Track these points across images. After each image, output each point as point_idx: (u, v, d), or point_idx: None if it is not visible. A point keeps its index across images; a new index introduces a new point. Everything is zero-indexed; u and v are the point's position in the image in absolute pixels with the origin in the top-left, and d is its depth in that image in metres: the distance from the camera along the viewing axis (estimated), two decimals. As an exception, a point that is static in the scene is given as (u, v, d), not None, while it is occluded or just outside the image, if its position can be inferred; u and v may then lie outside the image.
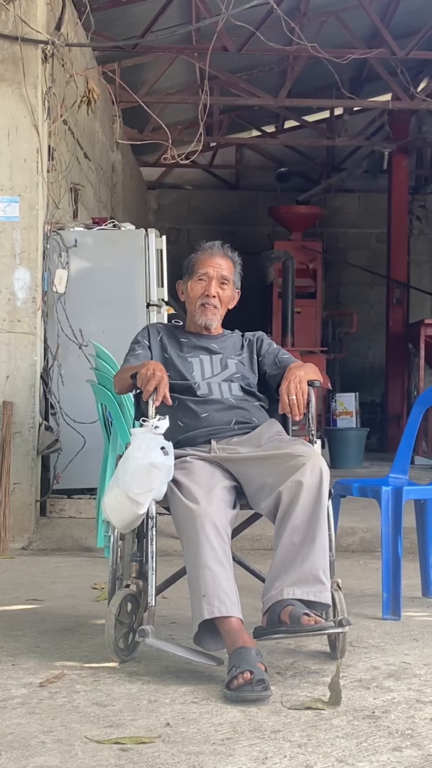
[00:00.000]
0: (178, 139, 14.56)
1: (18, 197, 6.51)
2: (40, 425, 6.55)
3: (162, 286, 6.97)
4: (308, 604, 3.48)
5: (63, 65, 6.78)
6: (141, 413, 3.93)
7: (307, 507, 3.58)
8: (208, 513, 3.57)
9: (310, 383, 3.88)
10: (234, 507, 3.76)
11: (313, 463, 3.63)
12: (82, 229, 6.89)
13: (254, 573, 4.11)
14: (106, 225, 7.04)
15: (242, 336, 4.25)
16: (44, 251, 6.64)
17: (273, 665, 3.58)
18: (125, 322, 6.58)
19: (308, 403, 3.84)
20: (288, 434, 4.06)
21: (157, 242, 6.89)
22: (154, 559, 3.62)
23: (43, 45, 6.54)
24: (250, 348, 4.20)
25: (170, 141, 9.20)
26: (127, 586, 3.73)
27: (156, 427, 3.69)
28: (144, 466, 3.59)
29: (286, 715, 3.06)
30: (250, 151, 16.44)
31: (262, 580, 3.76)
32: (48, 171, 6.83)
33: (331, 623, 3.48)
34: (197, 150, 15.63)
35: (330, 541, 3.66)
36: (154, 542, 3.64)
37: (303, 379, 3.86)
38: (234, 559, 3.77)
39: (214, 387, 4.01)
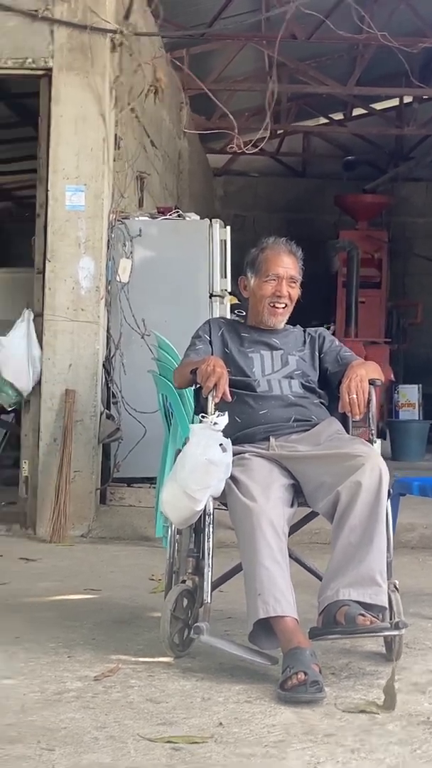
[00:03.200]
0: (245, 127, 14.54)
1: (84, 186, 6.53)
2: (101, 414, 6.58)
3: (225, 277, 6.95)
4: (364, 606, 3.46)
5: (131, 54, 6.77)
6: (200, 409, 3.92)
7: (366, 508, 3.56)
8: (266, 511, 3.55)
9: (371, 382, 3.85)
10: (292, 505, 3.75)
11: (372, 463, 3.60)
12: (146, 218, 6.90)
13: (311, 570, 4.09)
14: (170, 214, 7.03)
15: (304, 332, 4.22)
16: (109, 240, 6.65)
17: (328, 666, 3.56)
18: (188, 312, 6.57)
19: (368, 402, 3.81)
20: (348, 433, 4.02)
21: (221, 232, 6.88)
22: (210, 555, 3.62)
23: (111, 34, 6.55)
24: (312, 344, 4.17)
25: (237, 129, 9.15)
26: (184, 581, 3.73)
27: (215, 423, 3.69)
28: (202, 463, 3.59)
29: (340, 718, 3.04)
30: (317, 139, 16.31)
31: (319, 577, 3.74)
32: (114, 160, 6.84)
33: (387, 625, 3.45)
34: (264, 137, 15.74)
35: (388, 542, 3.63)
36: (211, 539, 3.63)
37: (364, 377, 3.82)
38: (291, 557, 3.76)
39: (274, 383, 4.00)
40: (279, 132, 14.80)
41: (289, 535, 3.77)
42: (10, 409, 7.12)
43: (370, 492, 3.56)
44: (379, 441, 3.81)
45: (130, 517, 6.66)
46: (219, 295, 6.86)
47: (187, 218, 7.01)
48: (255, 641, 3.48)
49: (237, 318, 5.37)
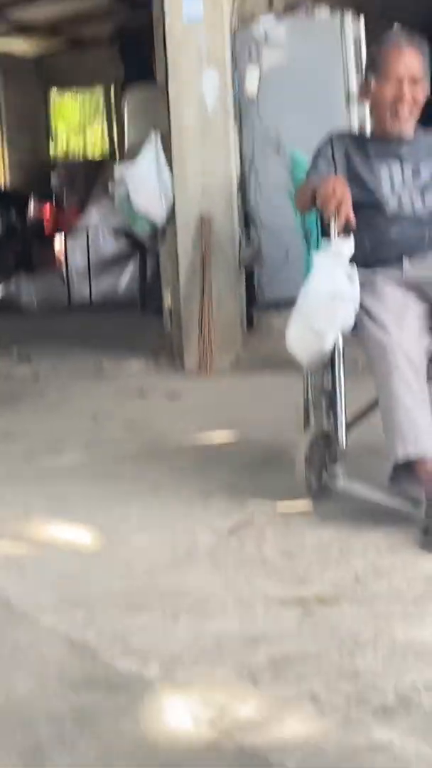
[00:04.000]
0: None
1: (200, -6, 6.07)
2: (240, 238, 6.29)
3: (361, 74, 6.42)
4: None
5: None
6: (324, 235, 3.59)
7: None
8: (401, 343, 3.26)
9: None
10: (429, 332, 3.44)
11: None
12: (272, 20, 6.38)
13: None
14: (298, 11, 6.48)
15: (438, 136, 3.80)
16: (233, 51, 6.19)
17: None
18: (324, 120, 6.07)
19: None
20: None
21: (354, 28, 6.31)
22: (342, 397, 3.37)
23: None
24: (447, 151, 3.75)
25: None
26: (316, 425, 3.51)
27: (340, 251, 3.37)
28: (327, 297, 3.31)
29: None
30: None
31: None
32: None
33: None
34: None
35: None
36: (341, 379, 3.38)
37: None
38: None
39: (405, 200, 3.62)
40: None
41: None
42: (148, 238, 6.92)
43: None
44: None
45: (280, 342, 6.37)
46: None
47: (317, 16, 6.44)
48: (397, 484, 3.24)
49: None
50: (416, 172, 3.67)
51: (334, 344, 3.37)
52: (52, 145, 17.50)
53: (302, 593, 2.70)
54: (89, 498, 3.69)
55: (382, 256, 3.57)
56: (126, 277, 10.32)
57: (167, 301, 6.47)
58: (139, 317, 8.59)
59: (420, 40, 3.71)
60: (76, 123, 22.44)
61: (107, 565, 3.02)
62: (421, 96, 3.68)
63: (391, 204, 3.62)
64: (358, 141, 3.80)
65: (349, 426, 3.57)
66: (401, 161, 3.69)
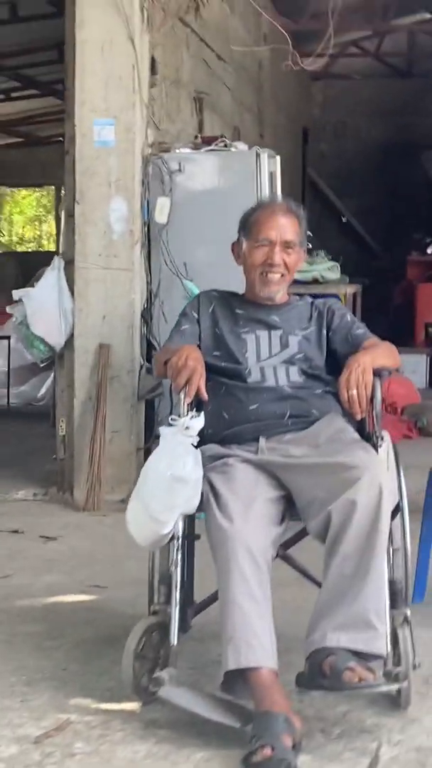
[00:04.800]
0: (341, 28, 13.56)
1: (113, 119, 5.89)
2: (140, 368, 6.04)
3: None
4: (357, 654, 2.89)
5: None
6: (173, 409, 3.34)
7: (361, 532, 2.96)
8: (243, 534, 2.99)
9: (378, 372, 3.21)
10: (282, 522, 3.18)
11: (371, 477, 2.99)
12: (188, 151, 6.22)
13: (313, 579, 3.47)
14: (216, 144, 6.34)
15: (311, 305, 3.57)
16: (143, 178, 6.02)
17: (321, 716, 3.02)
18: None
19: (372, 398, 3.17)
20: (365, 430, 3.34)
21: (270, 164, 6.17)
22: (178, 588, 3.08)
23: None
24: (319, 320, 3.52)
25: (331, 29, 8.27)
26: (155, 612, 3.20)
27: (187, 427, 3.11)
28: (166, 479, 3.03)
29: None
30: (423, 36, 15.15)
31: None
32: (152, 86, 6.17)
33: (382, 680, 2.88)
34: (364, 37, 14.68)
35: (401, 562, 3.08)
36: (178, 568, 3.09)
37: (368, 367, 3.18)
38: (288, 560, 3.27)
39: (268, 372, 3.37)
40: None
41: (282, 554, 3.24)
42: (42, 364, 6.65)
43: (366, 512, 2.97)
44: (385, 445, 3.16)
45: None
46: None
47: (233, 148, 6.30)
48: (229, 690, 2.94)
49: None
50: (284, 343, 3.44)
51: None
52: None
53: None
54: None
55: (238, 431, 3.31)
56: (47, 385, 10.03)
57: (62, 428, 6.18)
58: (48, 430, 8.27)
59: (296, 207, 3.52)
60: (32, 215, 22.42)
61: None
62: (294, 261, 3.48)
63: (253, 374, 3.37)
64: (228, 302, 3.57)
65: (202, 608, 3.30)
66: (270, 329, 3.46)
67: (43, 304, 5.98)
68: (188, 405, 3.20)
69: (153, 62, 6.18)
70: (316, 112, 15.87)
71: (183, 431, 3.11)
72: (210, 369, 3.39)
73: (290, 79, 12.95)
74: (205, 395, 3.22)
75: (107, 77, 5.89)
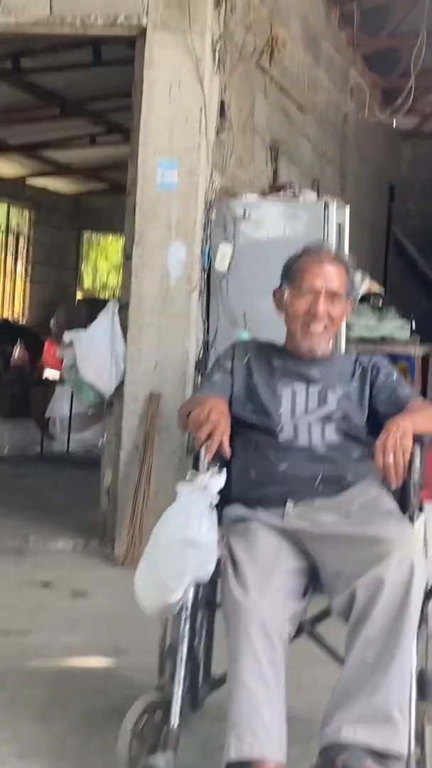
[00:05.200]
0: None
1: (176, 161, 5.70)
2: (192, 420, 5.77)
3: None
4: (374, 752, 2.57)
5: (231, 10, 5.83)
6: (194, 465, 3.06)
7: (388, 614, 2.66)
8: (258, 609, 2.71)
9: (418, 438, 2.91)
10: (304, 595, 2.88)
11: (402, 554, 2.68)
12: (255, 197, 6.00)
13: (342, 660, 3.14)
14: (285, 192, 6.11)
15: (355, 361, 3.29)
16: (206, 223, 5.80)
17: None
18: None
19: (410, 466, 2.87)
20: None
21: (338, 214, 5.92)
22: (183, 664, 2.79)
23: (214, -15, 5.68)
24: (363, 377, 3.24)
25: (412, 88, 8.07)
26: (161, 687, 2.92)
27: (205, 486, 2.84)
28: (178, 541, 2.76)
29: None
30: None
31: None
32: (220, 131, 5.98)
33: (401, 785, 2.55)
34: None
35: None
36: (185, 641, 2.80)
37: (408, 431, 2.89)
38: (315, 638, 2.93)
39: (301, 429, 3.10)
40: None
41: (310, 630, 2.94)
42: (91, 411, 6.43)
43: (394, 592, 2.66)
44: (423, 518, 2.86)
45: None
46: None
47: (302, 198, 6.06)
48: (232, 782, 2.64)
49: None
50: (323, 399, 3.16)
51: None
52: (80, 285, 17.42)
53: None
54: None
55: (265, 492, 3.04)
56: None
57: (107, 478, 5.95)
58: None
59: (343, 255, 3.27)
60: (117, 262, 22.44)
61: None
62: (339, 313, 3.21)
63: (285, 431, 3.10)
64: (265, 353, 3.32)
65: (219, 683, 3.02)
66: (308, 383, 3.19)
67: (94, 349, 5.78)
68: (209, 462, 2.94)
69: (222, 106, 5.99)
70: (405, 171, 15.60)
71: (200, 490, 2.84)
72: (240, 423, 3.15)
73: (377, 135, 12.75)
74: (227, 452, 2.96)
75: (173, 118, 5.71)
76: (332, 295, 3.18)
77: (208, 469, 2.92)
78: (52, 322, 11.67)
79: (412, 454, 2.87)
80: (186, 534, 2.75)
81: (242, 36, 6.18)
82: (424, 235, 15.24)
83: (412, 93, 7.31)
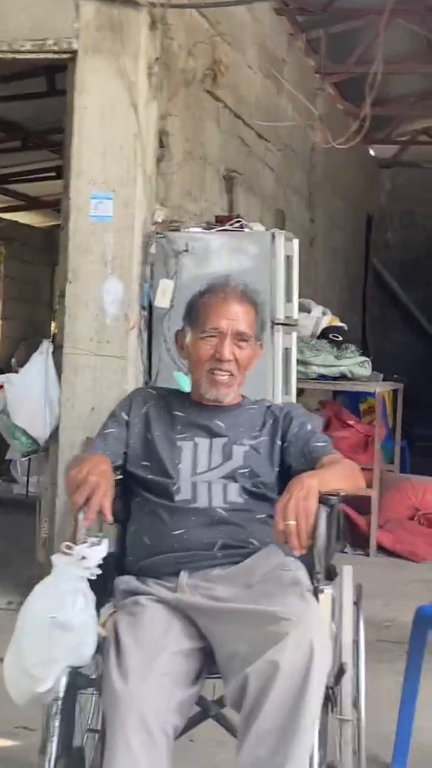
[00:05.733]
0: (408, 116, 13.04)
1: (111, 193, 5.37)
2: (132, 467, 5.42)
3: (290, 301, 5.66)
4: None
5: (166, 33, 5.52)
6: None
7: (284, 704, 2.29)
8: (138, 698, 2.36)
9: (324, 500, 2.56)
10: (196, 681, 2.52)
11: (300, 634, 2.32)
12: (198, 231, 5.67)
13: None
14: (230, 225, 5.78)
15: (266, 409, 2.95)
16: (144, 258, 5.46)
17: None
18: (244, 343, 5.31)
19: (314, 531, 2.52)
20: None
21: (286, 247, 5.58)
22: (52, 763, 2.42)
23: (148, 8, 5.36)
24: (274, 428, 2.89)
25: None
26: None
27: (83, 557, 2.49)
28: (45, 625, 2.40)
29: None
30: None
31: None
32: (160, 160, 5.65)
33: None
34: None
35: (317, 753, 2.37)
36: (54, 739, 2.43)
37: (312, 492, 2.53)
38: (221, 721, 2.59)
39: (201, 489, 2.75)
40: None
41: (216, 713, 2.58)
42: (24, 458, 6.08)
43: (291, 679, 2.30)
44: (328, 593, 2.50)
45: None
46: (284, 323, 5.58)
47: (247, 229, 5.73)
48: None
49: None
50: (227, 454, 2.82)
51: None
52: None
53: None
54: None
55: (158, 561, 2.69)
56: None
57: (43, 530, 5.58)
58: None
59: (252, 292, 2.93)
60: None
61: None
62: (247, 357, 2.88)
63: (183, 492, 2.75)
64: (166, 402, 2.97)
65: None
66: (211, 437, 2.84)
67: (26, 392, 5.43)
68: (88, 529, 2.59)
69: (162, 133, 5.67)
70: (383, 200, 15.35)
71: (77, 562, 2.49)
72: (137, 482, 2.81)
73: (352, 165, 12.47)
74: (109, 517, 2.60)
75: (106, 147, 5.37)
76: (239, 337, 2.85)
77: (86, 538, 2.56)
78: (13, 361, 11.31)
79: (316, 518, 2.51)
80: (56, 615, 2.40)
81: (185, 60, 5.86)
82: (403, 266, 14.98)
83: (368, 121, 7.00)
